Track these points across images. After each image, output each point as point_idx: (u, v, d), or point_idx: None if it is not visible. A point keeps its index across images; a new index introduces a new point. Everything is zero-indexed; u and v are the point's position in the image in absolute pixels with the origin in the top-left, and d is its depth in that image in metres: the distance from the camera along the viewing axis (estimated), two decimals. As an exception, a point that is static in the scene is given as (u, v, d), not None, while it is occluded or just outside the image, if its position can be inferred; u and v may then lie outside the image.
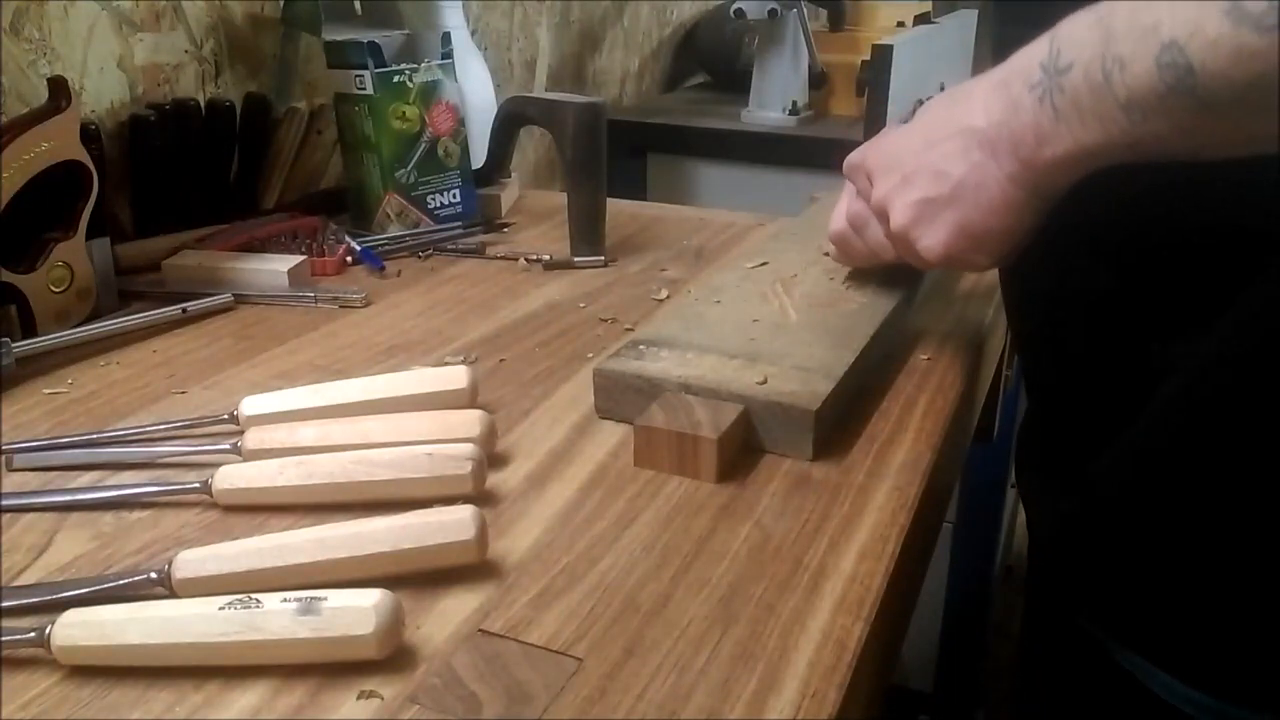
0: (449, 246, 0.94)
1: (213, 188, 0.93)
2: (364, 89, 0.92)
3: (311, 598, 0.39)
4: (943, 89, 1.67)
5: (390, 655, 0.40)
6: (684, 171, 1.62)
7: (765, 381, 0.57)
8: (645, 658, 0.41)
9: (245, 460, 0.53)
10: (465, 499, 0.47)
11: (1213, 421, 0.47)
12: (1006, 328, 0.89)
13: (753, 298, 0.70)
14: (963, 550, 1.55)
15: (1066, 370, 0.56)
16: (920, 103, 1.55)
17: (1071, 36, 0.44)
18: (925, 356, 0.69)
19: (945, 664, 1.62)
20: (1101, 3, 0.42)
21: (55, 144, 0.70)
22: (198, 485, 0.51)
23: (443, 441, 0.52)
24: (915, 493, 0.53)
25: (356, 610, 0.39)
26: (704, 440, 0.53)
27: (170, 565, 0.43)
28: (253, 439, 0.54)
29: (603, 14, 1.70)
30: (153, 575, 0.43)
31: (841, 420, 0.59)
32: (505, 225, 1.01)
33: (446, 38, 0.97)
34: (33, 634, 0.40)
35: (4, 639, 0.40)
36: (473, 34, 1.19)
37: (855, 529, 0.50)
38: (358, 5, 0.99)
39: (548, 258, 0.90)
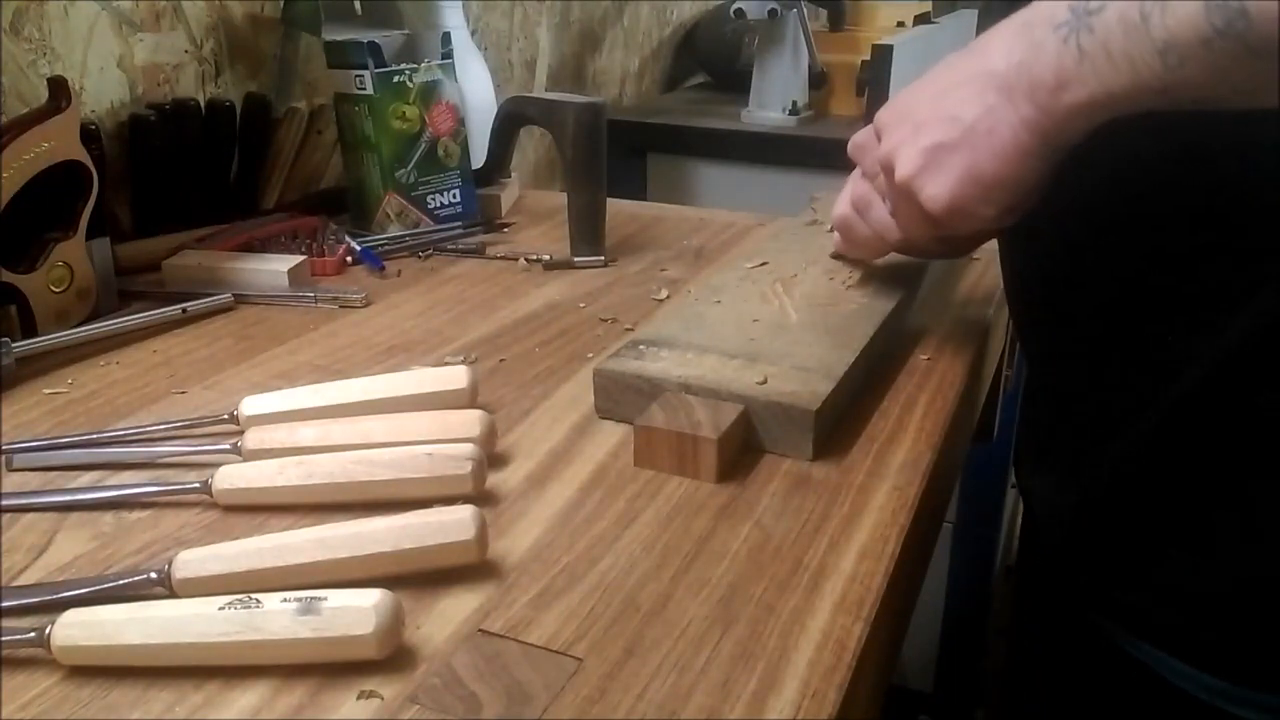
0: (449, 246, 0.94)
1: (213, 188, 0.93)
2: (364, 89, 0.92)
3: (311, 598, 0.39)
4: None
5: (390, 655, 0.40)
6: (684, 171, 1.62)
7: (765, 381, 0.57)
8: (645, 658, 0.41)
9: (245, 460, 0.53)
10: (465, 499, 0.47)
11: (1230, 413, 0.47)
12: (1007, 328, 0.89)
13: (753, 298, 0.70)
14: (963, 550, 1.55)
15: (1075, 362, 0.56)
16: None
17: None
18: (925, 356, 0.69)
19: (945, 664, 1.62)
20: None
21: (55, 144, 0.70)
22: (198, 485, 0.51)
23: (443, 441, 0.52)
24: (915, 493, 0.53)
25: (356, 610, 0.39)
26: (704, 440, 0.53)
27: (170, 565, 0.43)
28: (253, 439, 0.54)
29: (603, 14, 1.70)
30: (153, 575, 0.43)
31: (841, 420, 0.59)
32: (505, 225, 1.01)
33: (446, 38, 0.97)
34: (33, 634, 0.40)
35: (4, 639, 0.40)
36: (473, 34, 1.19)
37: (855, 529, 0.50)
38: (358, 5, 0.99)
39: (548, 258, 0.90)
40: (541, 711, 0.38)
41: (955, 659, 1.62)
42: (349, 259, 0.89)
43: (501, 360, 0.69)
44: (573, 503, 0.52)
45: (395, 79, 0.92)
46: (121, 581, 0.43)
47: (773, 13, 1.52)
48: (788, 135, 1.57)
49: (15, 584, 0.46)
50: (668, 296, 0.82)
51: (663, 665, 0.40)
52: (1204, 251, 0.48)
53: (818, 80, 1.63)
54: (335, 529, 0.44)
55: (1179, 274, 0.49)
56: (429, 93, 0.95)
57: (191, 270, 0.82)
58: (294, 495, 0.50)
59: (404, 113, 0.94)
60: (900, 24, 1.73)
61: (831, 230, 0.73)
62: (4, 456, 0.55)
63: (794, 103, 1.60)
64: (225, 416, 0.59)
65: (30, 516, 0.51)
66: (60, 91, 0.71)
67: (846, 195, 0.67)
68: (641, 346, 0.62)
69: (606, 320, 0.77)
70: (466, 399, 0.60)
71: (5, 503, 0.51)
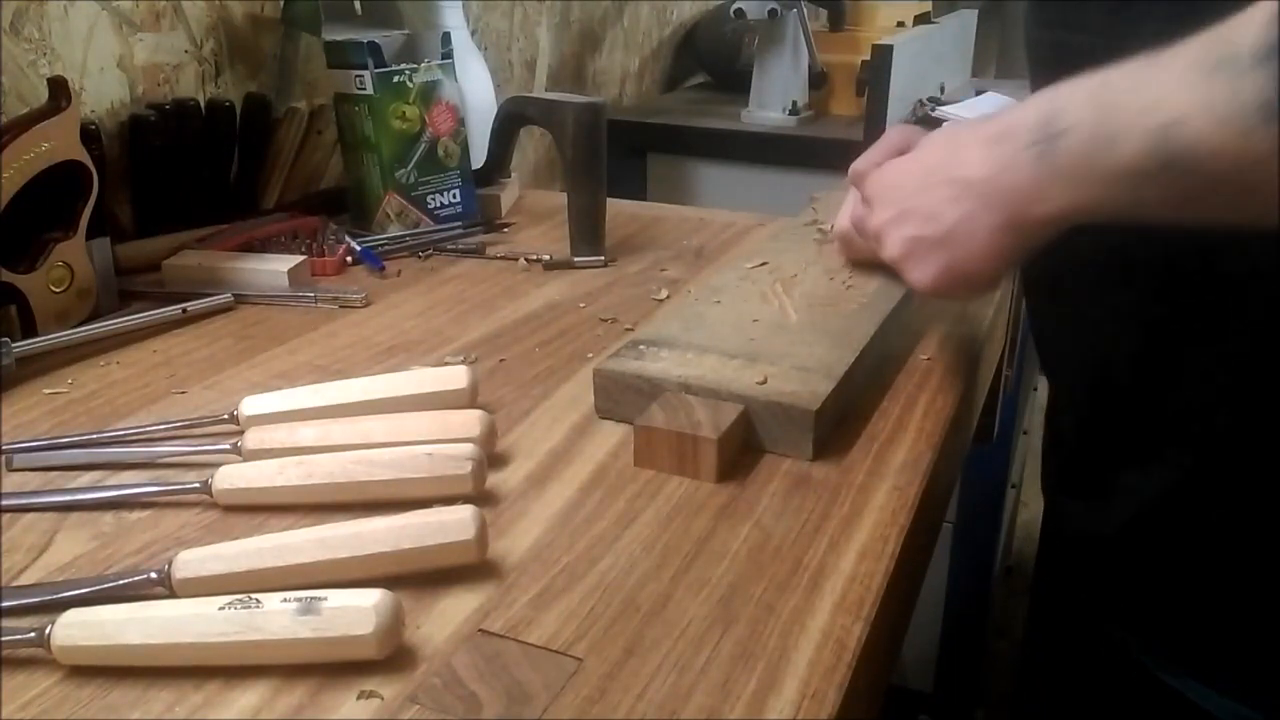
0: (449, 246, 0.94)
1: (213, 188, 0.93)
2: (364, 89, 0.92)
3: (311, 598, 0.39)
4: (943, 89, 1.67)
5: (390, 655, 0.40)
6: (684, 171, 1.62)
7: (765, 381, 0.57)
8: (645, 658, 0.41)
9: (245, 460, 0.53)
10: (465, 499, 0.47)
11: (1268, 448, 0.48)
12: (1007, 328, 0.89)
13: (753, 298, 0.70)
14: (963, 550, 1.54)
15: (1105, 392, 0.56)
16: (920, 103, 1.56)
17: (1071, 100, 0.45)
18: (925, 356, 0.69)
19: (945, 664, 1.62)
20: (1100, 72, 0.43)
21: (55, 144, 0.70)
22: (198, 485, 0.51)
23: (443, 441, 0.52)
24: (915, 493, 0.53)
25: (356, 610, 0.39)
26: (704, 440, 0.53)
27: (170, 565, 0.43)
28: (253, 439, 0.54)
29: (603, 14, 1.70)
30: (153, 575, 0.43)
31: (841, 420, 0.59)
32: (505, 225, 1.01)
33: (446, 38, 0.97)
34: (33, 634, 0.40)
35: (4, 639, 0.40)
36: (473, 34, 1.19)
37: (855, 529, 0.50)
38: (358, 5, 0.99)
39: (548, 258, 0.90)
40: (541, 711, 0.38)
41: (955, 659, 1.62)
42: (349, 259, 0.89)
43: (501, 360, 0.69)
44: (573, 503, 0.52)
45: (395, 79, 0.92)
46: (121, 581, 0.43)
47: (773, 13, 1.52)
48: (788, 135, 1.57)
49: (15, 584, 0.46)
50: (668, 296, 0.82)
51: (663, 665, 0.40)
52: (1215, 279, 0.49)
53: (818, 80, 1.63)
54: (335, 529, 0.44)
55: (1192, 301, 0.50)
56: (429, 93, 0.95)
57: (191, 270, 0.82)
58: (294, 495, 0.50)
59: (404, 113, 0.94)
60: (900, 24, 1.73)
61: (822, 236, 0.75)
62: (4, 456, 0.55)
63: (794, 103, 1.60)
64: (225, 416, 0.59)
65: (30, 516, 0.51)
66: (60, 91, 0.71)
67: (847, 213, 0.69)
68: (641, 346, 0.62)
69: (606, 320, 0.77)
70: (466, 399, 0.60)
71: (5, 503, 0.51)
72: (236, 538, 0.46)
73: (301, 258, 0.84)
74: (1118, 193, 0.43)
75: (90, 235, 0.74)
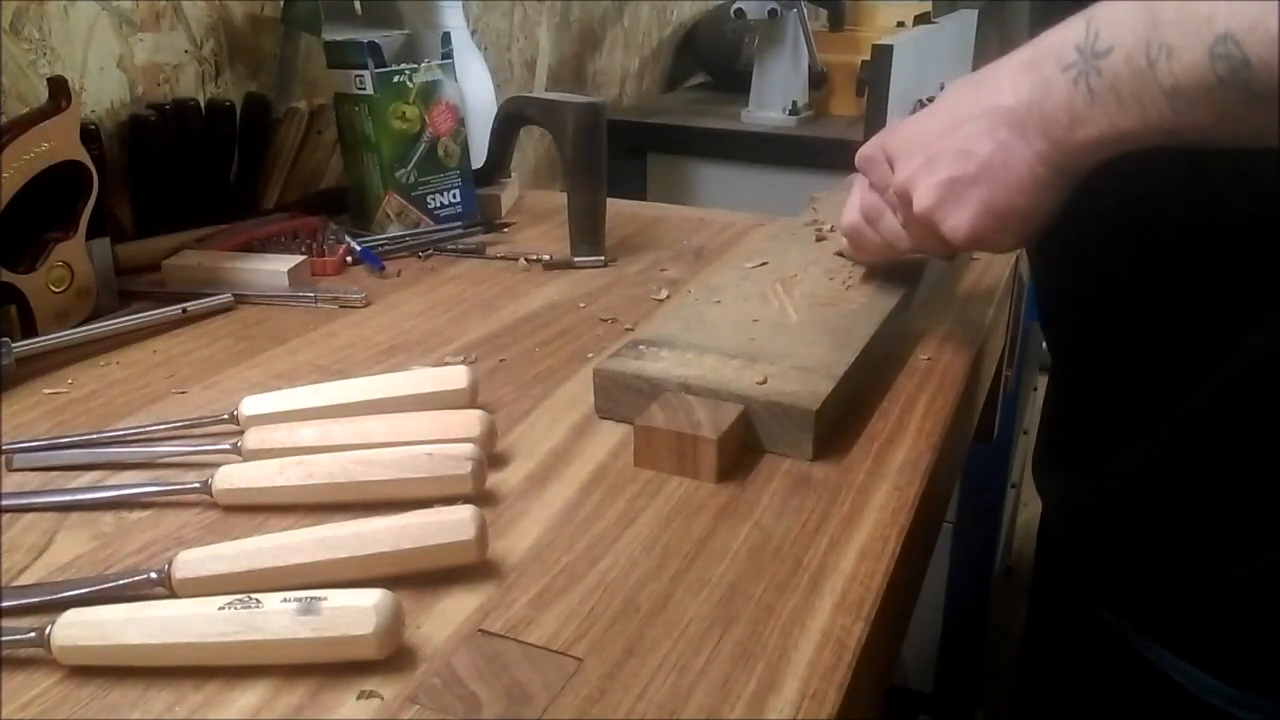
0: (449, 246, 0.94)
1: (213, 188, 0.93)
2: (364, 89, 0.92)
3: (311, 598, 0.39)
4: (943, 89, 1.67)
5: (390, 655, 0.40)
6: (684, 171, 1.62)
7: (765, 381, 0.57)
8: (645, 658, 0.41)
9: (245, 460, 0.53)
10: (465, 499, 0.47)
11: (1251, 422, 0.47)
12: (1007, 328, 0.89)
13: (753, 298, 0.70)
14: (963, 550, 1.55)
15: (1098, 364, 0.56)
16: (920, 103, 1.56)
17: (1111, 19, 0.43)
18: (925, 356, 0.69)
19: (945, 664, 1.62)
20: None
21: (55, 144, 0.70)
22: (198, 485, 0.51)
23: (443, 441, 0.52)
24: (915, 493, 0.53)
25: (356, 610, 0.39)
26: (704, 440, 0.53)
27: (170, 565, 0.43)
28: (253, 439, 0.54)
29: (603, 14, 1.70)
30: (153, 575, 0.43)
31: (841, 420, 0.59)
32: (505, 225, 1.01)
33: (446, 38, 0.97)
34: (33, 634, 0.40)
35: (4, 639, 0.40)
36: (473, 34, 1.19)
37: (855, 529, 0.50)
38: (358, 5, 0.99)
39: (548, 258, 0.90)
40: (541, 711, 0.38)
41: (955, 659, 1.62)
42: (349, 259, 0.89)
43: (501, 360, 0.69)
44: (573, 503, 0.52)
45: (395, 79, 0.92)
46: (121, 581, 0.43)
47: (773, 13, 1.52)
48: (788, 135, 1.57)
49: (15, 584, 0.46)
50: (668, 296, 0.82)
51: (663, 665, 0.40)
52: (1218, 259, 0.48)
53: (818, 80, 1.64)
54: (335, 529, 0.44)
55: (1194, 281, 0.49)
56: (429, 93, 0.95)
57: (191, 270, 0.82)
58: (294, 495, 0.50)
59: (404, 113, 0.94)
60: (900, 24, 1.73)
61: (819, 240, 0.75)
62: (4, 456, 0.55)
63: (794, 103, 1.60)
64: (225, 416, 0.59)
65: (30, 516, 0.51)
66: (60, 91, 0.71)
67: (855, 204, 0.67)
68: (641, 346, 0.62)
69: (606, 320, 0.77)
70: (466, 399, 0.60)
71: (5, 503, 0.51)
72: (236, 538, 0.46)
73: (301, 258, 0.84)
74: (1168, 114, 0.41)
75: (90, 235, 0.74)
